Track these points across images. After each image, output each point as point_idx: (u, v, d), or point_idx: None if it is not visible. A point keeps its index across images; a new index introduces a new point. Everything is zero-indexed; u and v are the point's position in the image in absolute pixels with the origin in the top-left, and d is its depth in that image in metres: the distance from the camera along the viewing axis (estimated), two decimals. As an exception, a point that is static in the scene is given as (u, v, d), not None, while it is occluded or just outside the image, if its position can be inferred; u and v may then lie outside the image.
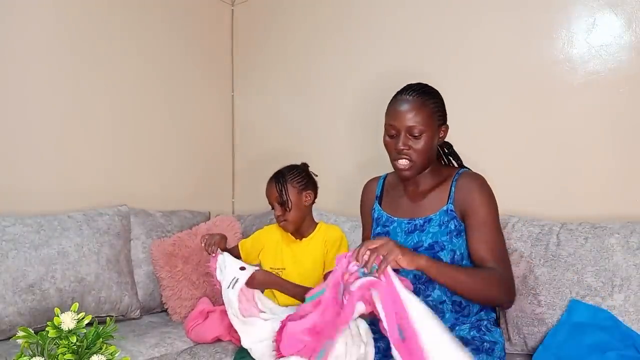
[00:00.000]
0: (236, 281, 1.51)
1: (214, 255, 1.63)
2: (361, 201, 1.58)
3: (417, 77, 1.49)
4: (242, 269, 1.56)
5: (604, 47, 1.69)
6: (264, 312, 1.53)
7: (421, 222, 1.35)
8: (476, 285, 1.21)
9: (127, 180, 2.27)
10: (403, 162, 1.33)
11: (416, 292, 1.25)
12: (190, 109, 2.57)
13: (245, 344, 1.46)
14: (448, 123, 1.40)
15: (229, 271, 1.54)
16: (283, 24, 2.55)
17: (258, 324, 1.48)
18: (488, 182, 1.37)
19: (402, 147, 1.31)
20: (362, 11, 2.25)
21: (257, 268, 1.61)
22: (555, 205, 1.74)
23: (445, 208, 1.33)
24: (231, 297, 1.49)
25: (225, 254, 1.62)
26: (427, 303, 1.23)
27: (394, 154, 1.35)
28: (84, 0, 2.12)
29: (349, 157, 2.27)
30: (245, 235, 2.26)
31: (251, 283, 1.55)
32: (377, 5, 2.20)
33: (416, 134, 1.30)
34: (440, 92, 1.41)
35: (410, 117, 1.30)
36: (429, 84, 1.41)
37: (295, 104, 2.50)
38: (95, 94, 2.16)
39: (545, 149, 1.79)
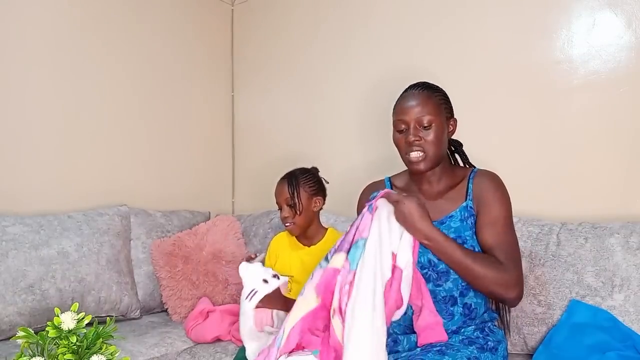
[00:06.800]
0: (254, 293, 1.40)
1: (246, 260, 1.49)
2: (361, 205, 1.49)
3: (419, 76, 1.49)
4: (265, 281, 1.42)
5: (604, 47, 1.69)
6: (272, 326, 1.46)
7: (441, 220, 1.33)
8: (475, 272, 1.21)
9: (127, 180, 2.27)
10: (415, 155, 1.31)
11: (427, 279, 1.28)
12: (190, 109, 2.57)
13: (248, 354, 1.43)
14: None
15: (250, 282, 1.43)
16: (283, 24, 2.55)
17: (263, 338, 1.41)
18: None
19: (412, 139, 1.31)
20: (362, 10, 2.25)
21: (286, 279, 1.48)
22: (555, 205, 1.74)
23: (464, 204, 1.33)
24: (247, 309, 1.40)
25: (256, 264, 1.47)
26: (439, 294, 1.27)
27: (405, 148, 1.33)
28: (84, 1, 2.12)
29: (349, 157, 2.27)
30: (245, 235, 2.26)
31: (267, 301, 1.43)
32: (378, 4, 2.20)
33: (426, 125, 1.30)
34: (440, 91, 1.40)
35: (419, 109, 1.31)
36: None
37: (295, 104, 2.50)
38: (95, 94, 2.16)
39: (545, 148, 1.79)
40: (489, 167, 1.43)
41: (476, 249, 1.30)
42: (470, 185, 1.35)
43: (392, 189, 1.47)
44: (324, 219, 1.94)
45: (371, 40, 2.22)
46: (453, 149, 1.49)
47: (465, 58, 1.96)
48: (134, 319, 2.01)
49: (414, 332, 1.26)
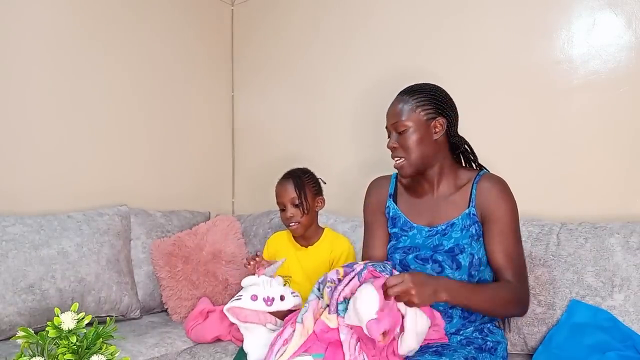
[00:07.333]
0: (238, 299, 1.39)
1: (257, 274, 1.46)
2: (368, 199, 1.50)
3: (419, 76, 1.49)
4: (253, 298, 1.39)
5: (604, 47, 1.69)
6: (274, 324, 1.43)
7: (443, 227, 1.33)
8: (495, 309, 1.25)
9: (127, 180, 2.27)
10: (396, 161, 1.35)
11: None
12: (190, 109, 2.57)
13: (245, 346, 1.44)
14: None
15: (246, 290, 1.42)
16: (283, 24, 2.55)
17: (259, 330, 1.40)
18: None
19: (391, 145, 1.36)
20: (363, 11, 2.25)
21: (298, 301, 1.43)
22: (555, 205, 1.74)
23: (467, 211, 1.32)
24: (225, 306, 1.41)
25: (261, 278, 1.43)
26: (436, 307, 1.25)
27: (391, 154, 1.37)
28: (84, 0, 2.12)
29: (349, 157, 2.27)
30: (245, 235, 2.26)
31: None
32: (378, 5, 2.20)
33: (400, 130, 1.33)
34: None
35: (392, 116, 1.35)
36: (427, 82, 1.40)
37: (295, 104, 2.50)
38: (95, 94, 2.16)
39: (545, 148, 1.79)
40: (489, 166, 1.44)
41: (475, 257, 1.29)
42: (474, 190, 1.33)
43: (396, 184, 1.47)
44: (323, 219, 1.94)
45: (371, 40, 2.22)
46: (466, 148, 1.43)
47: (465, 58, 1.96)
48: (134, 319, 2.01)
49: None
